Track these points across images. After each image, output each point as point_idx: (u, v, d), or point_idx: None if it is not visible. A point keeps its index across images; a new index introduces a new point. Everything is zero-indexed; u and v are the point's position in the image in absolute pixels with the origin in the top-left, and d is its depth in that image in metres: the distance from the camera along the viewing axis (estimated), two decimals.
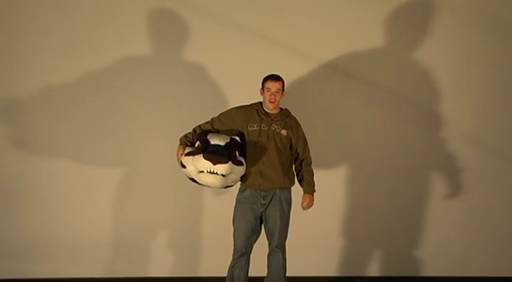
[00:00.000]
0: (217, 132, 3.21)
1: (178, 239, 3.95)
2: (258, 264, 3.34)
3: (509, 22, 4.00)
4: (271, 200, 3.23)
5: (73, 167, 3.82)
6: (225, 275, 3.30)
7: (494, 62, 4.01)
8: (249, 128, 3.19)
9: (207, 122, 3.27)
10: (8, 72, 3.76)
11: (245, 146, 3.20)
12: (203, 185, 3.11)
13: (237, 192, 3.30)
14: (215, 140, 3.06)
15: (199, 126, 3.26)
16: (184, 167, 3.08)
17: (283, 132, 3.21)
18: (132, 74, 3.82)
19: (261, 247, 3.33)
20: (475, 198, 4.07)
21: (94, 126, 3.84)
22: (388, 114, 4.00)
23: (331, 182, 3.90)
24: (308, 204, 3.28)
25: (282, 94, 3.20)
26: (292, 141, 3.24)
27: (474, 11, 3.96)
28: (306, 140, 3.31)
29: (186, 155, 3.07)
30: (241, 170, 3.08)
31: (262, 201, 3.22)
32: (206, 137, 3.08)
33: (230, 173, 2.98)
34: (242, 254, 3.23)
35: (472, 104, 4.03)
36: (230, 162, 2.94)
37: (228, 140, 3.08)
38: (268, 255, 3.32)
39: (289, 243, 3.33)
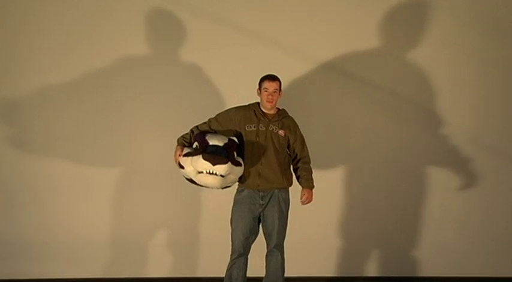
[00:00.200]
0: (215, 132, 3.20)
1: (177, 240, 3.95)
2: (256, 264, 3.34)
3: (509, 22, 4.00)
4: (269, 201, 3.23)
5: (71, 167, 3.82)
6: (224, 275, 3.29)
7: (494, 62, 4.01)
8: (246, 128, 3.19)
9: (205, 123, 3.26)
10: (6, 72, 3.76)
11: (243, 147, 3.19)
12: (201, 186, 3.10)
13: (235, 192, 3.29)
14: (214, 141, 3.05)
15: (197, 126, 3.25)
16: (182, 167, 3.07)
17: (281, 132, 3.20)
18: (130, 74, 3.82)
19: (259, 247, 3.33)
20: (474, 199, 4.07)
21: (92, 126, 3.84)
22: (387, 114, 3.99)
23: (330, 182, 3.90)
24: (307, 199, 3.26)
25: (279, 94, 3.20)
26: (290, 142, 3.24)
27: (474, 11, 3.96)
28: (303, 140, 3.31)
29: (185, 155, 3.07)
30: (239, 170, 3.08)
31: (261, 202, 3.22)
32: (204, 137, 3.08)
33: (229, 174, 2.98)
34: (240, 255, 3.23)
35: (472, 104, 4.02)
36: (229, 163, 2.94)
37: (226, 141, 3.08)
38: (266, 256, 3.31)
39: (287, 244, 3.33)
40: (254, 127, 3.19)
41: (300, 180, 3.29)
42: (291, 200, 3.31)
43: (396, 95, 3.98)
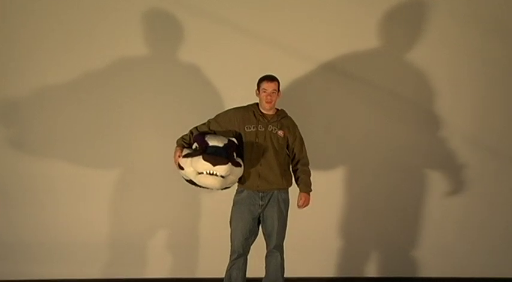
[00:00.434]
0: (214, 133, 3.20)
1: (176, 240, 3.94)
2: (256, 265, 3.33)
3: (509, 22, 4.00)
4: (269, 201, 3.23)
5: (70, 168, 3.82)
6: (223, 276, 3.28)
7: (494, 62, 4.01)
8: (246, 129, 3.19)
9: (204, 124, 3.26)
10: (5, 73, 3.76)
11: (242, 148, 3.19)
12: (201, 187, 3.09)
13: (235, 193, 3.29)
14: (213, 142, 3.05)
15: (196, 127, 3.25)
16: (182, 168, 3.07)
17: (280, 133, 3.20)
18: (129, 74, 3.82)
19: (258, 248, 3.32)
20: (475, 199, 4.06)
21: (91, 126, 3.83)
22: (387, 114, 3.99)
23: (329, 183, 3.90)
24: (304, 203, 3.26)
25: (277, 95, 3.19)
26: (289, 142, 3.24)
27: (474, 11, 3.96)
28: (302, 140, 3.30)
29: (184, 156, 3.06)
30: (239, 171, 3.08)
31: (260, 202, 3.22)
32: (204, 138, 3.07)
33: (229, 175, 2.98)
34: (239, 255, 3.22)
35: (472, 104, 4.02)
36: (230, 164, 2.94)
37: (226, 142, 3.07)
38: (266, 256, 3.31)
39: (287, 244, 3.32)
40: (253, 128, 3.18)
41: (298, 183, 3.29)
42: (290, 201, 3.30)
43: (396, 95, 3.98)
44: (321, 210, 3.70)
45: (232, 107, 3.31)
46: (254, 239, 3.29)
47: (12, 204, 3.84)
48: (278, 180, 3.21)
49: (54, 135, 3.81)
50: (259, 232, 3.31)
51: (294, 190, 3.31)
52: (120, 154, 3.87)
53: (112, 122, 3.85)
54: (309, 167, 3.32)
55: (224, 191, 3.25)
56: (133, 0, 3.79)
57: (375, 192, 4.02)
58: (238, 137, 3.20)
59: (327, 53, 3.91)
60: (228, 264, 3.26)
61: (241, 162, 3.10)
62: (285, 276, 3.31)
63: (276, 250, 3.26)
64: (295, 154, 3.28)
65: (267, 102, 3.16)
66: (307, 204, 3.27)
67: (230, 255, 3.25)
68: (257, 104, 3.25)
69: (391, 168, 4.02)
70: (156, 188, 3.90)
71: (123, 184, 3.87)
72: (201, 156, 2.92)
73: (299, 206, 3.27)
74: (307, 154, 3.33)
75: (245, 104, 3.29)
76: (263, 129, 3.18)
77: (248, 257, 3.27)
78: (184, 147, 3.17)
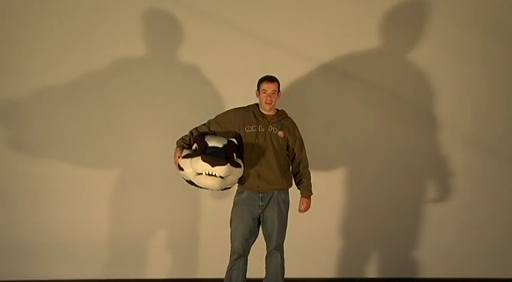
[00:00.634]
0: (214, 134, 3.19)
1: (176, 241, 3.94)
2: (256, 265, 3.33)
3: (509, 22, 4.00)
4: (269, 202, 3.22)
5: (69, 168, 3.81)
6: (223, 276, 3.28)
7: (494, 63, 4.00)
8: (246, 129, 3.18)
9: (204, 124, 3.26)
10: (5, 73, 3.76)
11: (242, 148, 3.18)
12: (201, 188, 3.09)
13: (235, 194, 3.29)
14: (213, 142, 3.04)
15: (196, 128, 3.25)
16: (181, 169, 3.06)
17: (280, 133, 3.20)
18: (129, 74, 3.82)
19: (259, 249, 3.32)
20: (475, 200, 4.06)
21: (91, 127, 3.83)
22: (387, 115, 3.98)
23: (330, 184, 3.90)
24: (305, 208, 3.29)
25: (277, 95, 3.19)
26: (289, 143, 3.24)
27: (474, 11, 3.95)
28: (302, 141, 3.30)
29: (184, 157, 3.06)
30: (239, 172, 3.08)
31: (260, 203, 3.21)
32: (204, 139, 3.07)
33: (228, 175, 2.98)
34: (240, 256, 3.22)
35: (473, 104, 4.02)
36: (228, 164, 2.93)
37: (225, 142, 3.07)
38: (266, 257, 3.31)
39: (287, 245, 3.32)
40: (253, 128, 3.18)
41: (299, 187, 3.30)
42: (290, 201, 3.30)
43: (396, 95, 3.97)
44: (321, 211, 3.69)
45: (232, 108, 3.31)
46: (254, 240, 3.28)
47: (12, 204, 3.84)
48: (278, 181, 3.21)
49: (54, 135, 3.81)
50: (260, 233, 3.30)
51: (294, 191, 3.31)
52: (120, 154, 3.87)
53: (112, 122, 3.85)
54: (309, 168, 3.32)
55: (224, 191, 3.25)
56: (133, 1, 3.78)
57: (375, 192, 4.02)
58: (238, 137, 3.20)
59: (327, 53, 3.90)
60: (228, 265, 3.25)
61: (241, 163, 3.10)
62: (285, 276, 3.31)
63: (276, 251, 3.26)
64: (295, 155, 3.27)
65: (266, 103, 3.16)
66: (308, 209, 3.30)
67: (230, 256, 3.25)
68: (257, 104, 3.25)
69: (392, 169, 4.01)
70: (156, 188, 3.89)
71: (123, 184, 3.87)
72: (200, 157, 2.92)
73: (301, 211, 3.29)
74: (307, 155, 3.33)
75: (245, 105, 3.29)
76: (263, 129, 3.18)
77: (248, 257, 3.27)
78: (184, 147, 3.17)
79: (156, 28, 3.81)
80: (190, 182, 3.10)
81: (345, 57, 3.91)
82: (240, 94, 3.48)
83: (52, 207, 3.84)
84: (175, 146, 3.21)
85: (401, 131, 4.00)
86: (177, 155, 3.13)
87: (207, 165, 2.89)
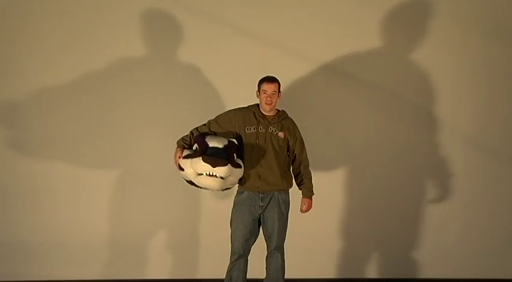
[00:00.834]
0: (214, 134, 3.19)
1: (176, 241, 3.93)
2: (256, 266, 3.33)
3: (510, 23, 3.99)
4: (269, 202, 3.22)
5: (69, 168, 3.81)
6: (224, 277, 3.28)
7: (495, 63, 4.00)
8: (246, 130, 3.18)
9: (204, 125, 3.26)
10: (5, 73, 3.75)
11: (243, 149, 3.18)
12: (201, 188, 3.09)
13: (235, 194, 3.28)
14: (213, 143, 3.04)
15: (197, 128, 3.25)
16: (182, 169, 3.06)
17: (281, 134, 3.19)
18: (129, 74, 3.81)
19: (259, 249, 3.32)
20: (475, 200, 4.06)
21: (91, 127, 3.83)
22: (388, 115, 3.98)
23: (330, 184, 3.90)
24: (307, 208, 3.30)
25: (278, 96, 3.19)
26: (290, 143, 3.24)
27: (475, 12, 3.95)
28: (303, 141, 3.30)
29: (184, 157, 3.06)
30: (239, 172, 3.08)
31: (261, 203, 3.21)
32: (204, 139, 3.07)
33: (229, 176, 2.98)
34: (240, 256, 3.22)
35: (473, 105, 4.01)
36: (229, 165, 2.93)
37: (226, 143, 3.07)
38: (266, 257, 3.31)
39: (287, 245, 3.33)
40: (254, 129, 3.17)
41: (300, 187, 3.30)
42: (291, 202, 3.30)
43: (397, 95, 3.97)
44: (322, 211, 3.68)
45: (232, 108, 3.30)
46: (254, 240, 3.29)
47: (12, 204, 3.83)
48: (278, 182, 3.21)
49: (54, 135, 3.80)
50: (260, 233, 3.30)
51: (294, 191, 3.31)
52: (120, 154, 3.86)
53: (112, 122, 3.85)
54: (310, 168, 3.33)
55: (224, 191, 3.25)
56: (133, 1, 3.78)
57: (376, 193, 4.02)
58: (239, 138, 3.20)
59: (327, 54, 3.90)
60: (229, 266, 3.25)
61: (242, 164, 3.10)
62: (285, 277, 3.31)
63: (276, 251, 3.26)
64: (295, 155, 3.27)
65: (266, 103, 3.16)
66: (310, 209, 3.31)
67: (230, 256, 3.25)
68: (257, 104, 3.24)
69: (392, 169, 4.01)
70: (156, 188, 3.89)
71: (123, 184, 3.86)
72: (200, 158, 2.92)
73: (302, 211, 3.29)
74: (308, 155, 3.32)
75: (245, 105, 3.29)
76: (264, 130, 3.17)
77: (249, 258, 3.27)
78: (184, 148, 3.17)
79: (156, 28, 3.80)
80: (191, 182, 3.10)
81: (345, 58, 3.91)
82: (240, 94, 3.47)
83: (52, 207, 3.84)
84: (176, 146, 3.21)
85: (401, 131, 4.00)
86: (178, 155, 3.13)
87: (208, 166, 2.89)
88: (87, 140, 3.82)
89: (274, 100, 3.16)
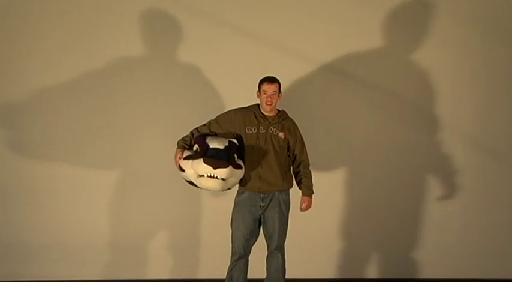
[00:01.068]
0: (215, 135, 3.19)
1: (177, 241, 3.93)
2: (257, 266, 3.33)
3: (510, 23, 3.99)
4: (269, 202, 3.22)
5: (70, 169, 3.81)
6: (224, 277, 3.28)
7: (495, 63, 4.00)
8: (246, 130, 3.18)
9: (204, 125, 3.25)
10: (5, 73, 3.75)
11: (243, 149, 3.18)
12: (202, 188, 3.09)
13: (236, 194, 3.28)
14: (214, 144, 3.03)
15: (197, 129, 3.24)
16: (183, 170, 3.06)
17: (281, 134, 3.19)
18: (129, 74, 3.81)
19: (259, 249, 3.32)
20: (475, 200, 4.06)
21: (91, 127, 3.83)
22: (388, 115, 3.98)
23: (330, 184, 3.90)
24: (306, 207, 3.29)
25: (278, 96, 3.18)
26: (290, 143, 3.23)
27: (476, 12, 3.95)
28: (303, 141, 3.29)
29: (185, 158, 3.05)
30: (240, 173, 3.07)
31: (261, 204, 3.21)
32: (205, 140, 3.06)
33: (230, 177, 2.97)
34: (240, 257, 3.22)
35: (473, 105, 4.01)
36: (230, 167, 2.93)
37: (227, 144, 3.06)
38: (267, 257, 3.31)
39: (288, 245, 3.32)
40: (254, 129, 3.17)
41: (300, 186, 3.30)
42: (291, 202, 3.30)
43: (397, 95, 3.97)
44: (322, 211, 3.69)
45: (232, 108, 3.29)
46: (255, 240, 3.28)
47: (12, 204, 3.83)
48: (279, 182, 3.20)
49: (54, 135, 3.80)
50: (260, 233, 3.30)
51: (295, 191, 3.31)
52: (121, 155, 3.86)
53: (112, 122, 3.84)
54: (310, 168, 3.32)
55: (225, 192, 3.24)
56: (133, 1, 3.78)
57: (376, 193, 4.02)
58: (239, 138, 3.19)
59: (328, 54, 3.90)
60: (229, 266, 3.25)
61: (242, 164, 3.09)
62: (286, 277, 3.31)
63: (277, 251, 3.26)
64: (295, 156, 3.27)
65: (267, 104, 3.15)
66: (309, 208, 3.30)
67: (231, 257, 3.24)
68: (258, 105, 3.24)
69: (392, 169, 4.01)
70: (157, 188, 3.89)
71: (124, 185, 3.86)
72: (202, 159, 2.91)
73: (302, 210, 3.28)
74: (308, 155, 3.32)
75: (246, 105, 3.28)
76: (264, 130, 3.17)
77: (249, 258, 3.27)
78: (185, 148, 3.16)
79: (156, 28, 3.80)
80: (191, 183, 3.09)
81: (345, 58, 3.91)
82: (240, 94, 3.46)
83: (52, 207, 3.84)
84: (176, 146, 3.20)
85: (401, 131, 4.00)
86: (178, 156, 3.12)
87: (209, 167, 2.88)
88: (87, 140, 3.82)
89: (274, 100, 3.16)
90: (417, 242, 4.06)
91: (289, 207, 3.29)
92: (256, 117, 3.19)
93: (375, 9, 3.88)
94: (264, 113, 3.20)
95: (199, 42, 3.81)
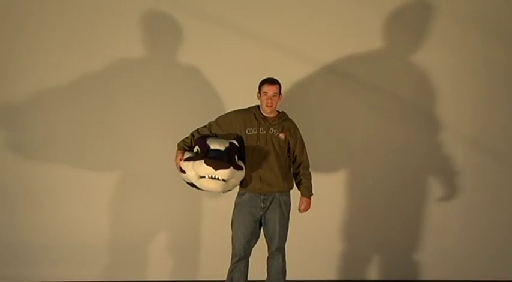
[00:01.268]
0: (215, 136, 3.18)
1: (177, 243, 3.93)
2: (258, 267, 3.32)
3: (510, 23, 3.98)
4: (270, 204, 3.21)
5: (70, 170, 3.80)
6: (225, 278, 3.27)
7: (495, 64, 4.00)
8: (247, 132, 3.17)
9: (205, 126, 3.25)
10: (5, 73, 3.75)
11: (243, 150, 3.17)
12: (202, 190, 3.08)
13: (236, 195, 3.28)
14: (215, 145, 3.03)
15: (197, 130, 3.24)
16: (183, 172, 3.05)
17: (281, 135, 3.19)
18: (130, 75, 3.81)
19: (260, 251, 3.31)
20: (475, 201, 4.05)
21: (91, 128, 3.82)
22: (389, 116, 3.98)
23: (331, 185, 3.90)
24: (305, 208, 3.28)
25: (278, 98, 3.18)
26: (290, 145, 3.23)
27: (475, 12, 3.95)
28: (303, 143, 3.29)
29: (186, 160, 3.05)
30: (241, 174, 3.07)
31: (262, 205, 3.21)
32: (206, 141, 3.06)
33: (231, 178, 2.97)
34: (241, 258, 3.21)
35: (473, 106, 4.01)
36: (231, 168, 2.93)
37: (227, 145, 3.06)
38: (267, 259, 3.30)
39: (289, 247, 3.32)
40: (255, 131, 3.17)
41: (299, 187, 3.29)
42: (291, 203, 3.30)
43: (397, 96, 3.97)
44: (323, 212, 3.69)
45: (233, 110, 3.29)
46: (256, 242, 3.28)
47: (12, 205, 3.82)
48: (279, 183, 3.20)
49: (54, 136, 3.80)
50: (261, 235, 3.30)
51: (295, 192, 3.30)
52: (121, 156, 3.85)
53: (112, 123, 3.84)
54: (310, 169, 3.32)
55: (225, 193, 3.23)
56: (133, 1, 3.77)
57: (376, 194, 4.01)
58: (239, 139, 3.19)
59: (328, 55, 3.90)
60: (230, 267, 3.25)
61: (243, 166, 3.09)
62: (286, 278, 3.30)
63: (277, 252, 3.26)
64: (296, 157, 3.27)
65: (267, 105, 3.15)
66: (308, 209, 3.29)
67: (231, 258, 3.24)
68: (258, 106, 3.23)
69: (392, 171, 4.00)
70: (157, 189, 3.88)
71: (124, 186, 3.86)
72: (203, 161, 2.91)
73: (300, 211, 3.28)
74: (308, 156, 3.31)
75: (246, 106, 3.28)
76: (264, 132, 3.17)
77: (250, 259, 3.26)
78: (185, 150, 3.16)
79: (155, 29, 3.80)
80: (192, 185, 3.09)
81: (346, 59, 3.91)
82: (240, 95, 3.47)
83: (52, 208, 3.83)
84: (176, 148, 3.20)
85: (402, 132, 3.99)
86: (179, 157, 3.12)
87: (211, 168, 2.88)
88: (87, 141, 3.81)
89: (274, 102, 3.15)
90: (418, 243, 4.05)
91: (289, 208, 3.28)
92: (256, 118, 3.19)
93: (375, 10, 3.88)
94: (264, 114, 3.20)
95: (199, 43, 3.81)
